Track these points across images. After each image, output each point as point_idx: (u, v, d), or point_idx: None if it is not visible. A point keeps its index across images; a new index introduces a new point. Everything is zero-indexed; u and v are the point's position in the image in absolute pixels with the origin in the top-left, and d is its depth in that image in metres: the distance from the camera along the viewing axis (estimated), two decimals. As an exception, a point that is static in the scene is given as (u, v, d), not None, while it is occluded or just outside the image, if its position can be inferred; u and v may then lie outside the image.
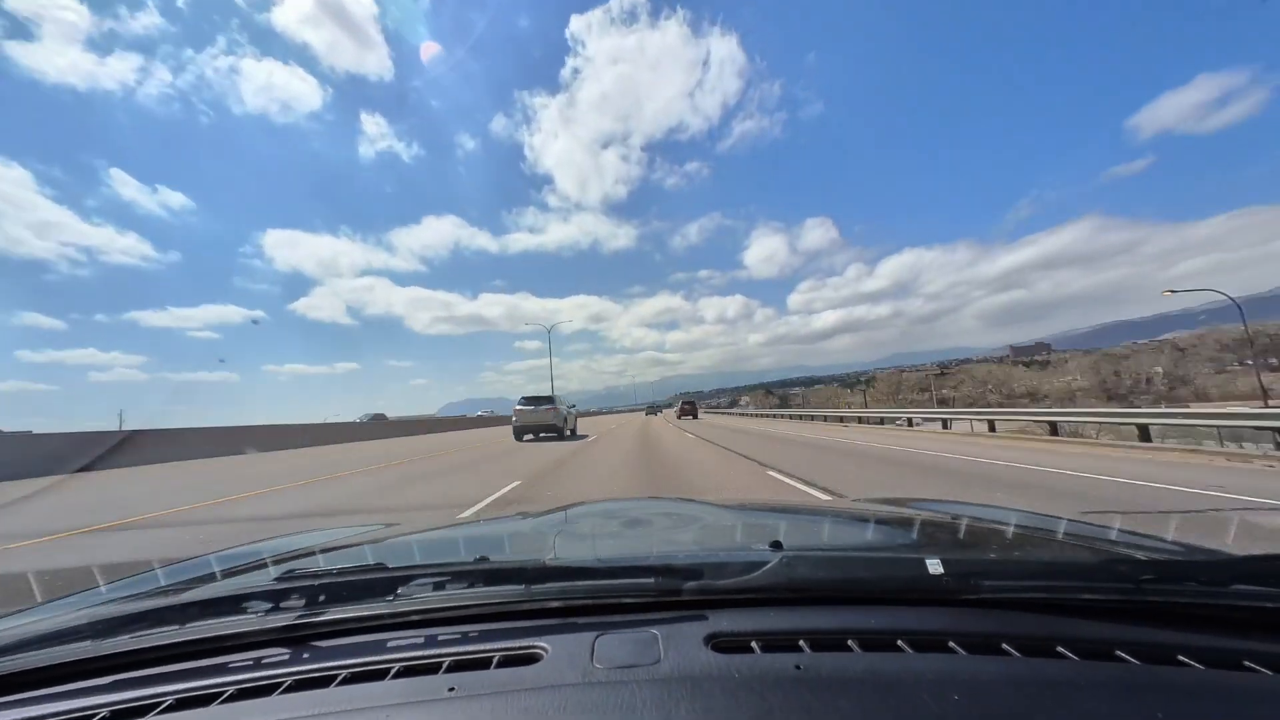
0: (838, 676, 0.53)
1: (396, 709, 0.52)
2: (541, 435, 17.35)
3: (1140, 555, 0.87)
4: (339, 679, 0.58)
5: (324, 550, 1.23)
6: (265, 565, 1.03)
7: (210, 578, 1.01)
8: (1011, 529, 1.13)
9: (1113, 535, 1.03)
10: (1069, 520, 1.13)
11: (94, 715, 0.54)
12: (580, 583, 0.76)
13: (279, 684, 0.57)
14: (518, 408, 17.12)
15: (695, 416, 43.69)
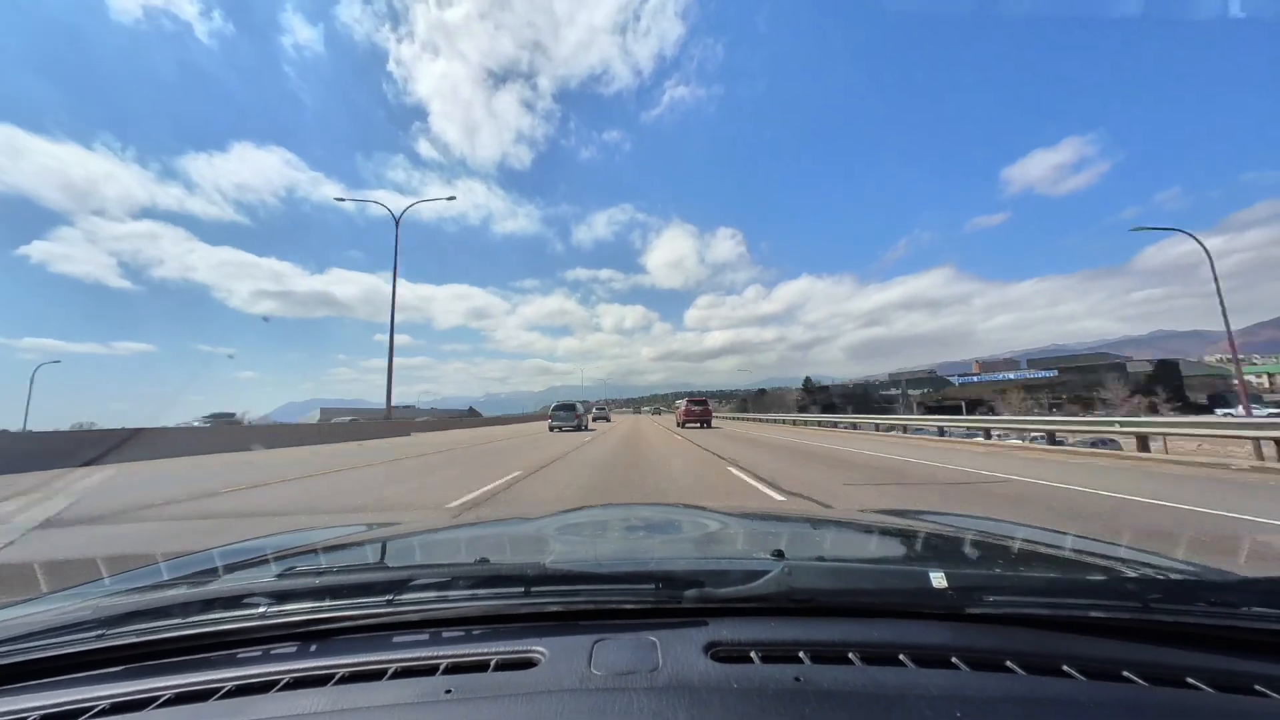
0: (838, 690, 0.52)
1: (393, 709, 0.52)
2: (564, 429, 25.54)
3: (1149, 574, 0.85)
4: (337, 678, 0.58)
5: (326, 548, 1.24)
6: (267, 561, 1.03)
7: (212, 572, 1.01)
8: (1017, 544, 1.12)
9: (1121, 553, 1.01)
10: (1076, 536, 1.11)
11: (94, 707, 0.55)
12: (580, 587, 0.75)
13: (277, 681, 0.58)
14: (553, 410, 27.24)
15: (708, 424, 28.55)
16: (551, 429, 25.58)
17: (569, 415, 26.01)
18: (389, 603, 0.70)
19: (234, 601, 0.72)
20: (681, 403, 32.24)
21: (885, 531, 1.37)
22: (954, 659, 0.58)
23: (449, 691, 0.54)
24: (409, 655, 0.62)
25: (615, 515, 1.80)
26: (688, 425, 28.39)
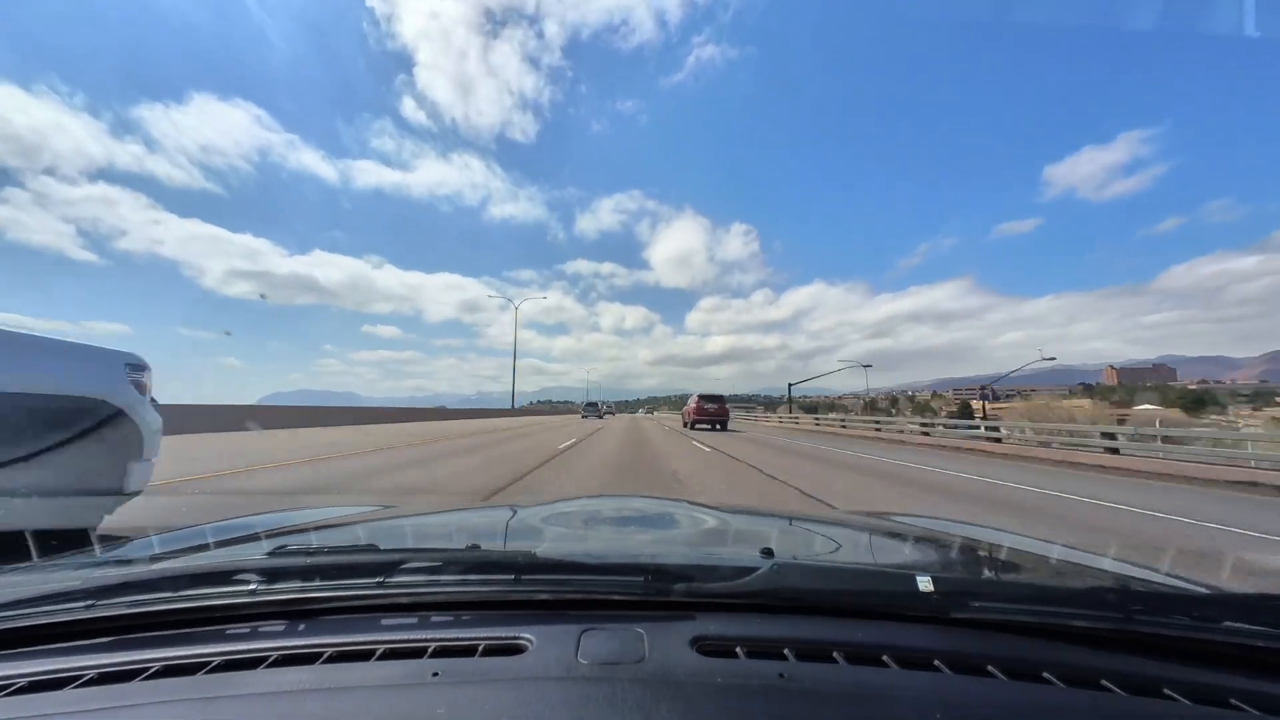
0: (821, 688, 0.53)
1: (380, 690, 0.52)
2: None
3: (1131, 585, 0.86)
4: (325, 656, 0.58)
5: (318, 528, 1.24)
6: (259, 539, 1.04)
7: (204, 548, 1.02)
8: (1004, 551, 1.13)
9: (1105, 564, 1.02)
10: (1062, 546, 1.12)
11: (81, 676, 0.55)
12: (570, 577, 0.76)
13: (265, 658, 0.58)
14: (585, 406, 41.75)
15: (724, 426, 24.07)
16: (584, 417, 44.77)
17: (594, 410, 48.69)
18: (379, 584, 0.70)
19: (224, 577, 0.72)
20: (692, 399, 25.52)
21: (875, 534, 1.38)
22: (936, 662, 0.59)
23: (436, 674, 0.55)
24: (397, 637, 0.62)
25: (608, 506, 1.81)
26: (698, 426, 23.18)
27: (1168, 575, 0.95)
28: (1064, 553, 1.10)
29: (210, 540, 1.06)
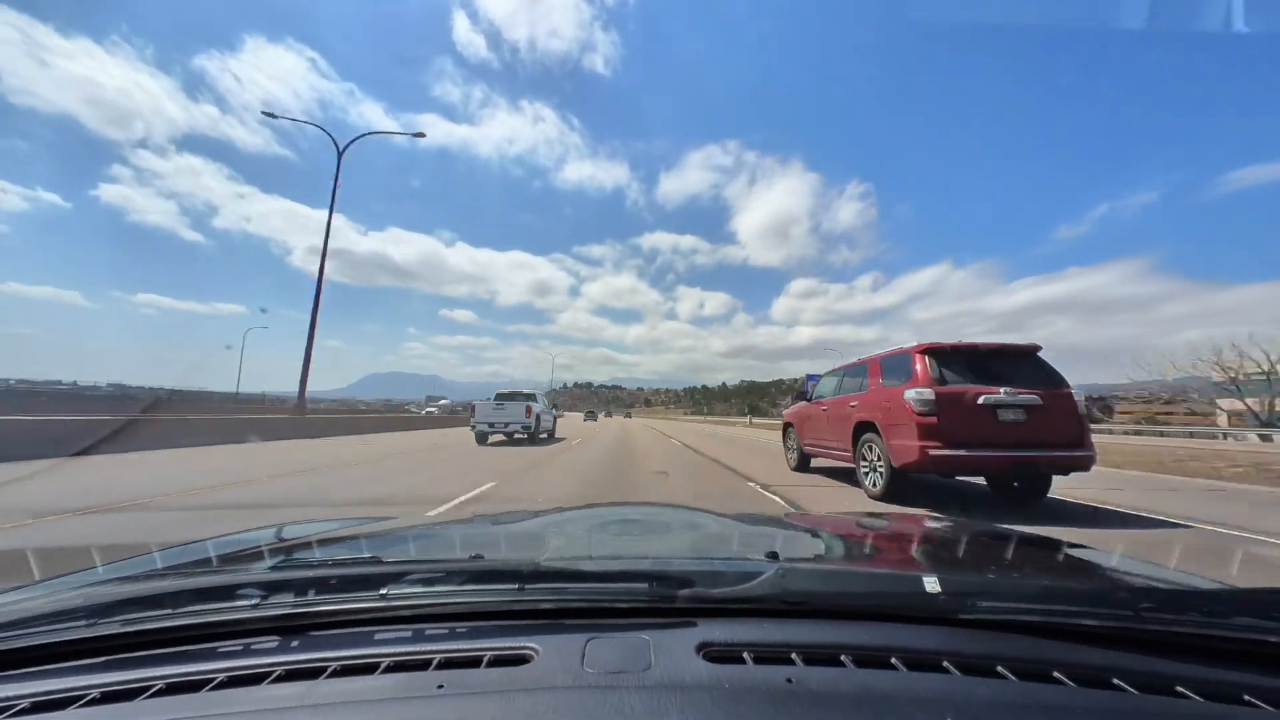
0: (829, 692, 0.53)
1: (386, 704, 0.52)
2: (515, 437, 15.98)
3: (1141, 583, 0.86)
4: (329, 671, 0.58)
5: (320, 541, 1.23)
6: (261, 554, 1.03)
7: (206, 563, 1.01)
8: (1011, 550, 1.12)
9: (1114, 561, 1.01)
10: (1070, 544, 1.12)
11: (85, 696, 0.55)
12: (573, 585, 0.76)
13: (269, 673, 0.58)
14: (482, 404, 15.52)
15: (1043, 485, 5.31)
16: (482, 441, 25.96)
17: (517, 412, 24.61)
18: (383, 597, 0.70)
19: (227, 593, 0.72)
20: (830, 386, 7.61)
21: (879, 534, 1.38)
22: (945, 663, 0.58)
23: (441, 686, 0.54)
24: (402, 650, 0.62)
25: (610, 514, 1.80)
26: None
27: (1176, 571, 0.95)
28: (1072, 550, 1.09)
29: (212, 555, 1.05)
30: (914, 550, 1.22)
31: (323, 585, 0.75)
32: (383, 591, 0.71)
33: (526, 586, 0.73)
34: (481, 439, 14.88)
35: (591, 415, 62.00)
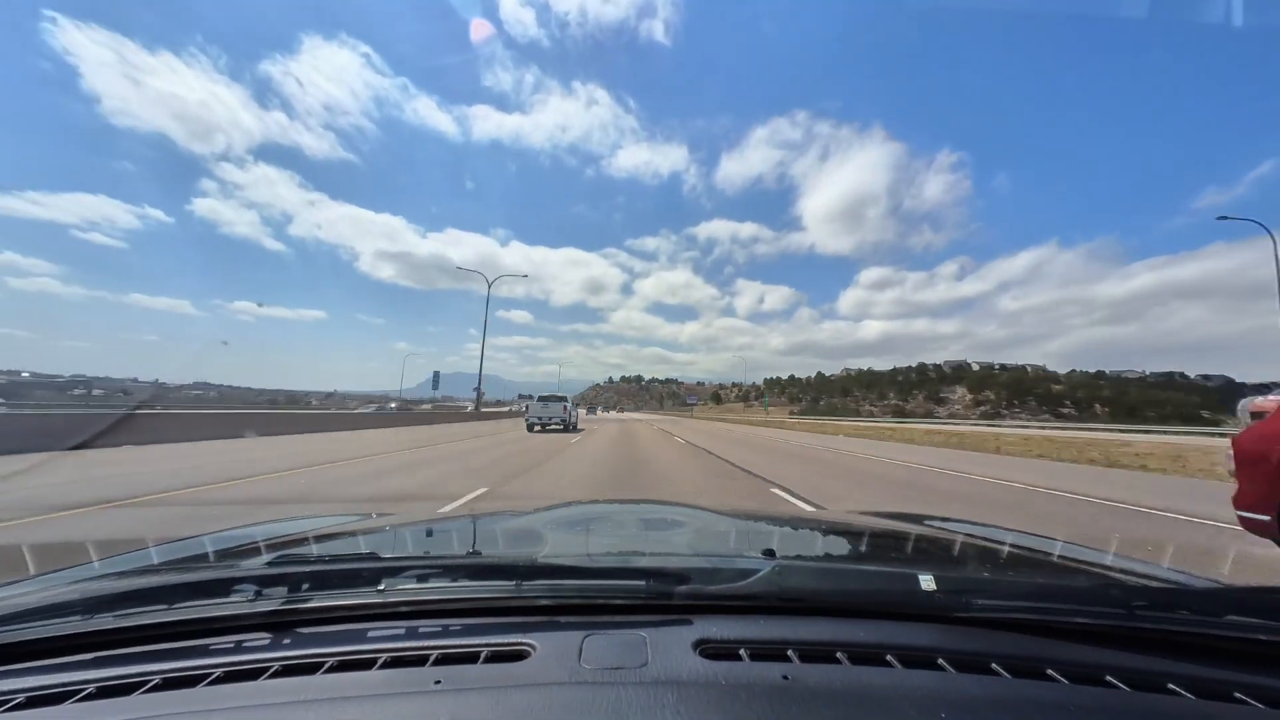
0: (825, 689, 0.53)
1: (382, 699, 0.52)
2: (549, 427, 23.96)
3: (1133, 581, 0.86)
4: (326, 666, 0.58)
5: (317, 537, 1.23)
6: (258, 549, 1.03)
7: (203, 559, 1.01)
8: (1006, 549, 1.13)
9: (1107, 560, 1.02)
10: (1064, 543, 1.12)
11: (82, 690, 0.55)
12: (571, 582, 0.76)
13: (266, 668, 0.58)
14: (530, 403, 25.29)
15: None
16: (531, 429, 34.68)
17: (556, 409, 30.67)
18: (380, 593, 0.70)
19: (223, 587, 0.72)
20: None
21: (876, 533, 1.38)
22: (940, 660, 0.59)
23: (438, 682, 0.54)
24: (399, 645, 0.62)
25: (608, 511, 1.80)
26: None
27: (1169, 570, 0.95)
28: (1066, 549, 1.10)
29: (209, 549, 1.05)
30: (909, 549, 1.23)
31: (319, 580, 0.75)
32: (380, 587, 0.71)
33: (524, 582, 0.73)
34: (530, 429, 22.54)
35: (591, 410, 59.91)
